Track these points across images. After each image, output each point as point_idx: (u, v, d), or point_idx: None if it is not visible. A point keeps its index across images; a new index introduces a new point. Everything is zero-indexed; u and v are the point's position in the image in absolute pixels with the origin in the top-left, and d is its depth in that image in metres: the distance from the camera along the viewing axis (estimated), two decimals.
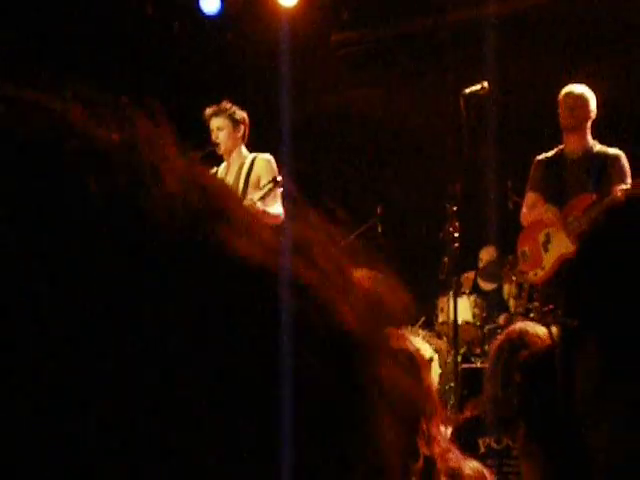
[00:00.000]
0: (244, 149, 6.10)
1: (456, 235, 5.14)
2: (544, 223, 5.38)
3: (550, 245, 5.35)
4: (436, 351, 7.52)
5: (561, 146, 5.43)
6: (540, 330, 2.83)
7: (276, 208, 5.81)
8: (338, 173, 9.35)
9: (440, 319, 7.75)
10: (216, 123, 5.98)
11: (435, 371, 7.45)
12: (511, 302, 7.67)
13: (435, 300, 7.91)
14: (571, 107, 5.28)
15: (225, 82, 9.53)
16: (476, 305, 7.79)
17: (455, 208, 5.10)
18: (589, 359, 0.93)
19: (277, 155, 7.21)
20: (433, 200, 6.91)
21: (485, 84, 5.21)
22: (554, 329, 1.25)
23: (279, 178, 5.74)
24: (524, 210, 5.56)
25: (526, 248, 5.59)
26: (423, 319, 8.17)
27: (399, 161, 9.13)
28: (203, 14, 8.87)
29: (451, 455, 2.23)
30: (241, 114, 6.05)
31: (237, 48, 9.26)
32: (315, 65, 9.14)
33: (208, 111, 6.04)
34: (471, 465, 1.85)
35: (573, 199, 5.26)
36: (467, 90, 5.16)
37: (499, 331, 7.66)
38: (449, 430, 2.98)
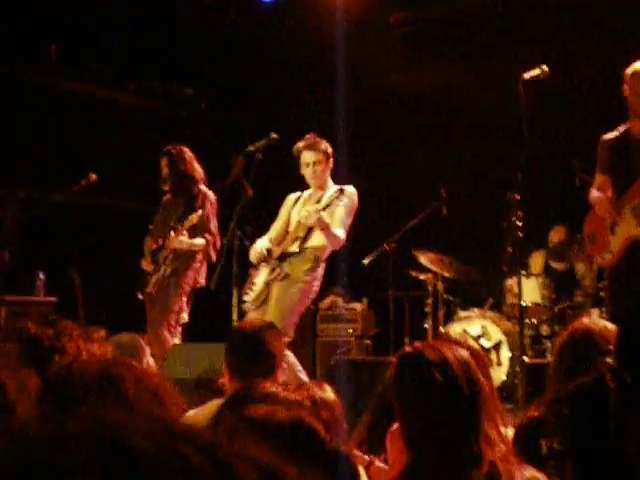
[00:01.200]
0: (330, 181, 6.10)
1: (519, 224, 5.03)
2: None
3: (617, 228, 5.21)
4: (505, 333, 7.44)
5: (627, 125, 5.25)
6: (606, 325, 2.75)
7: (339, 231, 5.79)
8: (400, 155, 9.27)
9: (508, 301, 7.64)
10: (309, 158, 5.96)
11: (504, 353, 7.38)
12: (585, 281, 7.55)
13: (503, 281, 7.80)
14: None
15: (285, 67, 9.52)
16: (545, 287, 7.67)
17: (518, 197, 4.98)
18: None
19: (336, 140, 7.18)
20: (496, 181, 6.81)
21: (545, 67, 5.04)
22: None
23: (347, 188, 5.72)
24: (593, 191, 5.40)
25: (593, 231, 5.46)
26: (491, 301, 8.08)
27: (462, 143, 9.00)
28: (259, 0, 8.86)
29: (510, 459, 2.19)
30: (329, 148, 6.05)
31: (295, 32, 9.22)
32: (374, 46, 9.05)
33: (301, 145, 6.02)
34: (527, 473, 1.80)
35: (638, 181, 5.09)
36: (526, 75, 5.00)
37: (569, 311, 7.55)
38: (511, 430, 2.93)
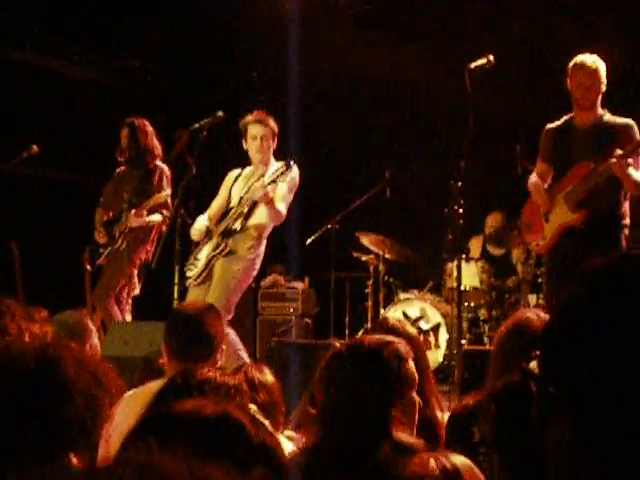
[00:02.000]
0: (272, 159, 6.08)
1: (460, 211, 5.09)
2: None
3: (551, 215, 5.31)
4: (443, 316, 7.56)
5: (571, 114, 5.34)
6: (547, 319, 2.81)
7: (280, 206, 5.80)
8: (348, 134, 9.29)
9: (448, 284, 7.75)
10: (258, 131, 5.94)
11: (442, 336, 7.50)
12: (519, 267, 7.67)
13: (444, 265, 7.91)
14: (586, 86, 5.13)
15: (233, 43, 9.45)
16: (484, 271, 7.80)
17: (460, 184, 5.04)
18: (562, 426, 0.92)
19: (286, 117, 7.17)
20: (441, 165, 6.88)
21: (491, 57, 5.10)
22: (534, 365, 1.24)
23: (292, 162, 5.70)
24: (532, 177, 5.50)
25: (530, 218, 5.56)
26: (431, 284, 8.19)
27: (410, 126, 9.05)
28: None
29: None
30: (276, 126, 6.04)
31: (245, 8, 9.15)
32: (322, 26, 9.03)
33: (250, 118, 5.99)
34: (457, 460, 1.86)
35: (573, 168, 5.19)
36: (472, 64, 5.05)
37: (507, 296, 7.69)
38: (446, 415, 3.00)
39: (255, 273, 6.09)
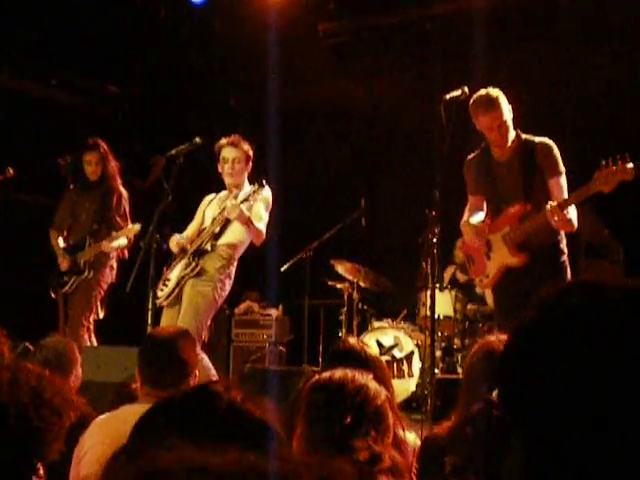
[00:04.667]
0: (246, 183, 6.11)
1: (435, 241, 5.10)
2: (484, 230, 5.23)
3: (492, 253, 5.21)
4: (417, 345, 7.57)
5: (484, 145, 5.19)
6: None
7: (260, 225, 5.83)
8: (324, 164, 9.35)
9: (421, 313, 7.77)
10: (231, 154, 5.99)
11: (415, 365, 7.51)
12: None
13: (418, 293, 7.93)
14: (490, 127, 4.95)
15: (212, 70, 9.50)
16: (457, 300, 7.82)
17: (434, 213, 5.05)
18: (515, 452, 0.94)
19: (263, 144, 7.20)
20: (417, 193, 6.92)
21: (466, 89, 5.11)
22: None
23: (264, 182, 5.74)
24: (464, 216, 5.30)
25: (469, 253, 5.48)
26: (405, 312, 8.21)
27: (386, 156, 9.12)
28: (190, 1, 8.82)
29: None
30: (250, 149, 6.08)
31: (224, 36, 9.22)
32: (302, 54, 9.12)
33: (224, 141, 6.04)
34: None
35: (508, 208, 5.08)
36: (447, 95, 5.07)
37: (480, 325, 7.72)
38: (413, 435, 3.01)
39: (225, 294, 6.06)
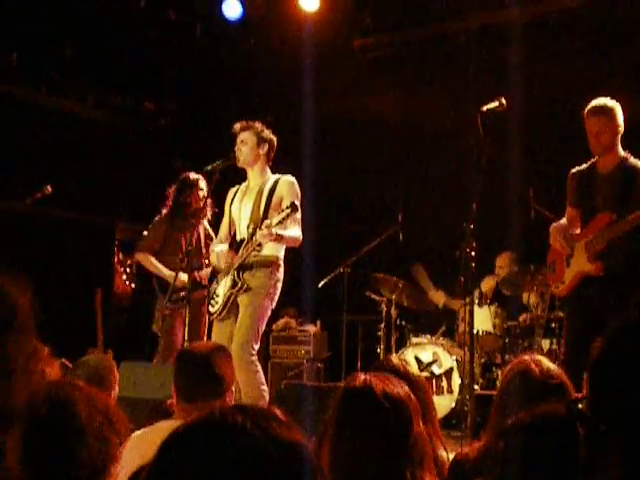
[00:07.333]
0: (268, 170, 6.04)
1: (472, 254, 5.05)
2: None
3: (572, 260, 5.29)
4: (456, 360, 7.48)
5: (594, 159, 5.30)
6: (549, 367, 2.77)
7: (295, 231, 5.79)
8: (360, 178, 9.30)
9: (460, 329, 7.69)
10: (241, 137, 5.97)
11: (455, 381, 7.41)
12: (535, 311, 7.59)
13: (457, 309, 7.85)
14: (596, 133, 5.09)
15: (248, 87, 9.52)
16: (497, 315, 7.73)
17: (472, 226, 5.00)
18: (611, 465, 0.89)
19: (299, 159, 7.17)
20: (453, 206, 6.85)
21: (503, 100, 5.07)
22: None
23: (297, 202, 5.68)
24: (562, 221, 5.44)
25: (553, 259, 5.54)
26: (444, 328, 8.12)
27: (423, 168, 9.05)
28: (225, 19, 8.84)
29: None
30: (268, 134, 6.01)
31: (259, 53, 9.23)
32: (337, 70, 9.10)
33: (237, 126, 6.01)
34: None
35: (596, 217, 5.18)
36: (484, 107, 5.03)
37: (520, 340, 7.61)
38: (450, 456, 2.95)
39: (277, 296, 5.96)
